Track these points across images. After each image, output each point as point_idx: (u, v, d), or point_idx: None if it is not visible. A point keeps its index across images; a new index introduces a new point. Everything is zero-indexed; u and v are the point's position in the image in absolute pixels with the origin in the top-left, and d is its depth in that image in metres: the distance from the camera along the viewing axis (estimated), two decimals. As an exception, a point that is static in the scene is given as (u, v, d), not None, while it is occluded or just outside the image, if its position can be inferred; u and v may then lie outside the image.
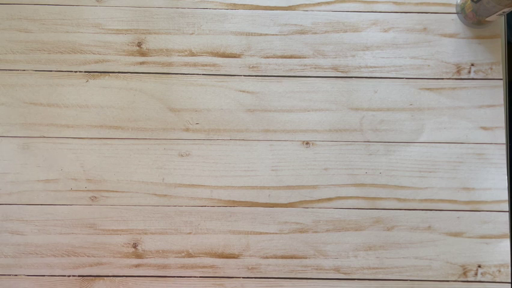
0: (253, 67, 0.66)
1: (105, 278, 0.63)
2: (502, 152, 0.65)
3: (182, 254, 0.63)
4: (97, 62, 0.66)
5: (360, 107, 0.65)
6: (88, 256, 0.63)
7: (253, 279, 0.63)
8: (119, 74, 0.66)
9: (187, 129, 0.65)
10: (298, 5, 0.67)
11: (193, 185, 0.64)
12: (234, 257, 0.63)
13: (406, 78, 0.66)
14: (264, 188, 0.64)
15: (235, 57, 0.66)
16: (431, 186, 0.64)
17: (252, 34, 0.67)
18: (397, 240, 0.63)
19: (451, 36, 0.67)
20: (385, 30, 0.67)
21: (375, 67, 0.66)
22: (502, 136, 0.65)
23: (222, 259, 0.63)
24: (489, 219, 0.63)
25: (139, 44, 0.66)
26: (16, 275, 0.63)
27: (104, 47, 0.66)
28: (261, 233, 0.63)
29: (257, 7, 0.67)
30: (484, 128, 0.65)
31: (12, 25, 0.66)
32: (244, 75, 0.66)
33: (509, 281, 0.63)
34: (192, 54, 0.66)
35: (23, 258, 0.63)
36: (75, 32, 0.66)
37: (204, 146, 0.65)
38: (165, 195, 0.64)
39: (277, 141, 0.65)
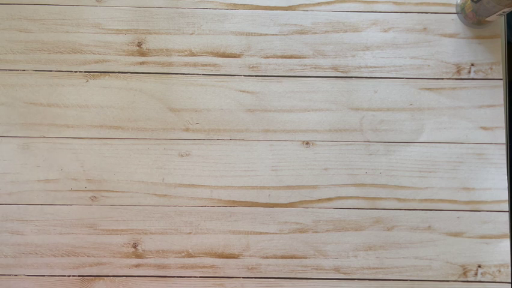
0: (253, 67, 0.66)
1: (105, 278, 0.63)
2: (502, 152, 0.65)
3: (182, 254, 0.63)
4: (97, 62, 0.66)
5: (360, 107, 0.65)
6: (87, 256, 0.63)
7: (253, 279, 0.63)
8: (119, 74, 0.66)
9: (187, 129, 0.65)
10: (298, 5, 0.67)
11: (193, 185, 0.64)
12: (234, 257, 0.63)
13: (406, 78, 0.66)
14: (264, 188, 0.64)
15: (235, 57, 0.66)
16: (431, 186, 0.64)
17: (252, 34, 0.67)
18: (397, 240, 0.63)
19: (450, 36, 0.67)
20: (385, 30, 0.67)
21: (375, 67, 0.66)
22: (502, 136, 0.65)
23: (222, 259, 0.63)
24: (489, 219, 0.63)
25: (139, 44, 0.66)
26: (16, 275, 0.63)
27: (104, 47, 0.66)
28: (261, 233, 0.63)
29: (257, 7, 0.67)
30: (484, 128, 0.65)
31: (12, 25, 0.66)
32: (244, 75, 0.66)
33: (509, 281, 0.63)
34: (192, 54, 0.66)
35: (23, 258, 0.63)
36: (75, 32, 0.66)
37: (204, 146, 0.65)
38: (165, 195, 0.64)
39: (277, 141, 0.65)
